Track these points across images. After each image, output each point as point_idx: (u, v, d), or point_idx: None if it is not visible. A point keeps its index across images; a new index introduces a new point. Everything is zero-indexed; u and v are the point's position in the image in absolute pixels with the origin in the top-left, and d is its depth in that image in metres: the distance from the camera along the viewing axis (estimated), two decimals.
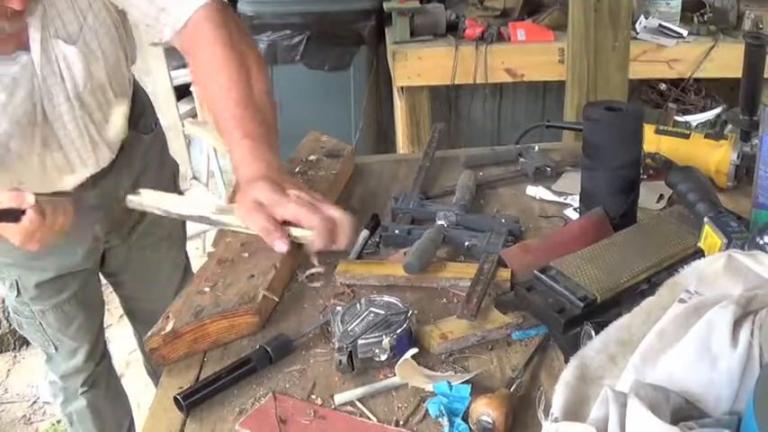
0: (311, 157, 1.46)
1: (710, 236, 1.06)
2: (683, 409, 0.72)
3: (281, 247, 1.10)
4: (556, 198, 1.39)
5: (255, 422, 0.89)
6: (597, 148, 1.20)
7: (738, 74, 1.36)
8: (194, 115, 3.30)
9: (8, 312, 1.79)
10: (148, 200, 1.25)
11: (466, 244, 1.21)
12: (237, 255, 1.18)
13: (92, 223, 1.46)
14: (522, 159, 1.51)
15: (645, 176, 1.34)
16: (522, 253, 1.16)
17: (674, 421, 0.69)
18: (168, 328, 1.01)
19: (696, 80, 3.10)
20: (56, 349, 1.67)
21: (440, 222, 1.26)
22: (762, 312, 0.76)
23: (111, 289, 1.84)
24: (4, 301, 2.94)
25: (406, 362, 0.93)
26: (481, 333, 1.01)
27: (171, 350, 1.01)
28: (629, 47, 2.22)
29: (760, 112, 1.19)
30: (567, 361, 0.87)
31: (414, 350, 0.95)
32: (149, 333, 1.01)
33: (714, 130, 2.96)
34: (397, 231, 1.26)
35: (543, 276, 1.02)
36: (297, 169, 1.42)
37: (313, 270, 1.18)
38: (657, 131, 1.45)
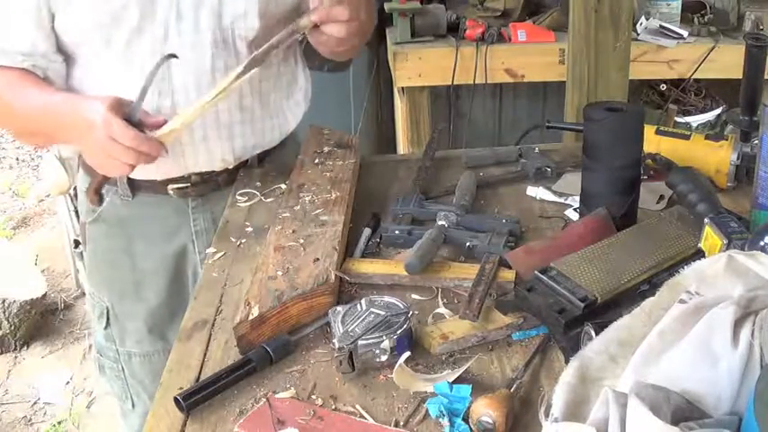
0: (325, 149, 1.48)
1: (711, 236, 1.06)
2: (683, 410, 0.72)
3: None
4: (556, 198, 1.39)
5: (254, 424, 0.89)
6: (597, 149, 1.20)
7: (739, 75, 1.36)
8: None
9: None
10: None
11: (467, 244, 1.21)
12: (292, 241, 1.19)
13: None
14: (522, 160, 1.51)
15: (645, 177, 1.34)
16: (528, 255, 1.15)
17: (675, 421, 0.69)
18: (254, 313, 1.02)
19: (696, 81, 3.10)
20: (133, 406, 1.43)
21: (440, 223, 1.26)
22: (762, 313, 0.76)
23: None
24: (4, 302, 2.92)
25: (400, 368, 0.92)
26: (482, 333, 1.01)
27: (257, 335, 1.02)
28: (630, 48, 2.22)
29: (760, 112, 1.19)
30: (567, 361, 0.87)
31: (407, 354, 0.94)
32: (236, 321, 1.01)
33: (714, 131, 2.96)
34: (397, 232, 1.26)
35: (543, 277, 1.02)
36: (316, 161, 1.44)
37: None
38: (658, 132, 1.45)
